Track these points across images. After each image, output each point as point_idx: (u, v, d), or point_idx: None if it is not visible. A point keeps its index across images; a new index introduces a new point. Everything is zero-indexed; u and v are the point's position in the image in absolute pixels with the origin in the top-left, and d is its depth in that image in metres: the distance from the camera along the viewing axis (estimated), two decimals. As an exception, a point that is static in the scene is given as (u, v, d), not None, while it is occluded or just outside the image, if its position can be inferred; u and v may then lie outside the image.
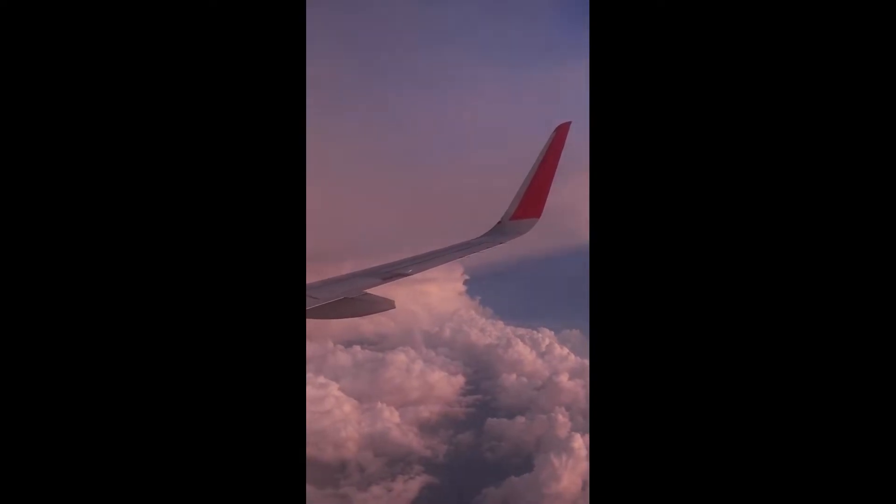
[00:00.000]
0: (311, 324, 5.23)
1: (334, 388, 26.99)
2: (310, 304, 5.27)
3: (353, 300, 5.67)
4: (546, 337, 32.58)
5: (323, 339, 28.08)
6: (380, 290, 5.85)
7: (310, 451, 24.65)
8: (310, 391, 26.74)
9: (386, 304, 5.90)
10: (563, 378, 29.19)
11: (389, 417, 26.13)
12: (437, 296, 34.70)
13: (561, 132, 8.66)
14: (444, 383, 29.25)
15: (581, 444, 24.63)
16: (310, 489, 23.37)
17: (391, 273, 6.28)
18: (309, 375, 27.27)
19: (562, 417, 26.16)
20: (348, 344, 30.55)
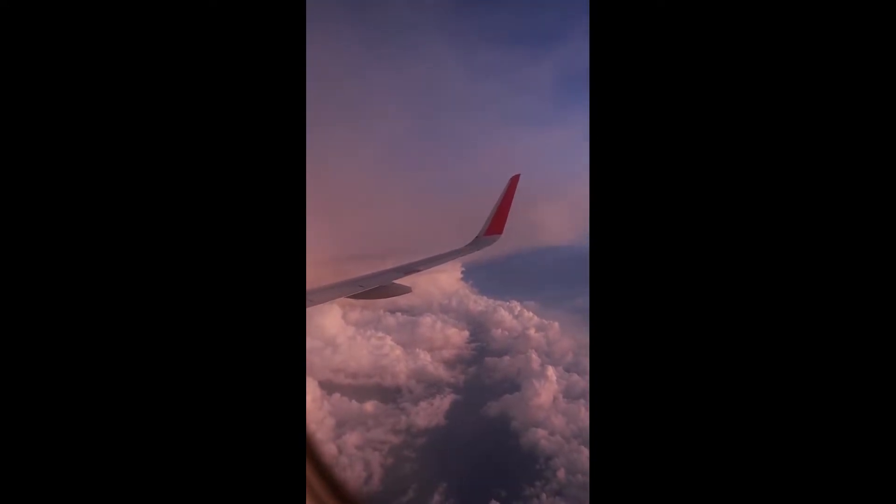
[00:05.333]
0: (363, 303, 7.56)
1: (388, 340, 35.28)
2: (357, 291, 6.80)
3: (386, 287, 7.23)
4: (516, 306, 41.04)
5: (376, 309, 36.53)
6: (403, 280, 7.45)
7: (376, 380, 32.21)
8: (373, 342, 34.72)
9: (406, 290, 7.44)
10: (532, 331, 37.88)
11: (424, 358, 34.14)
12: (445, 281, 42.70)
13: (514, 180, 11.11)
14: (456, 336, 37.63)
15: (552, 372, 32.09)
16: (378, 405, 30.11)
17: (410, 269, 8.06)
18: (371, 332, 35.57)
19: (534, 356, 33.97)
20: (393, 312, 38.45)
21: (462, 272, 44.12)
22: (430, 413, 30.38)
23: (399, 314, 38.90)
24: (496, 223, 11.11)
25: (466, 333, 38.61)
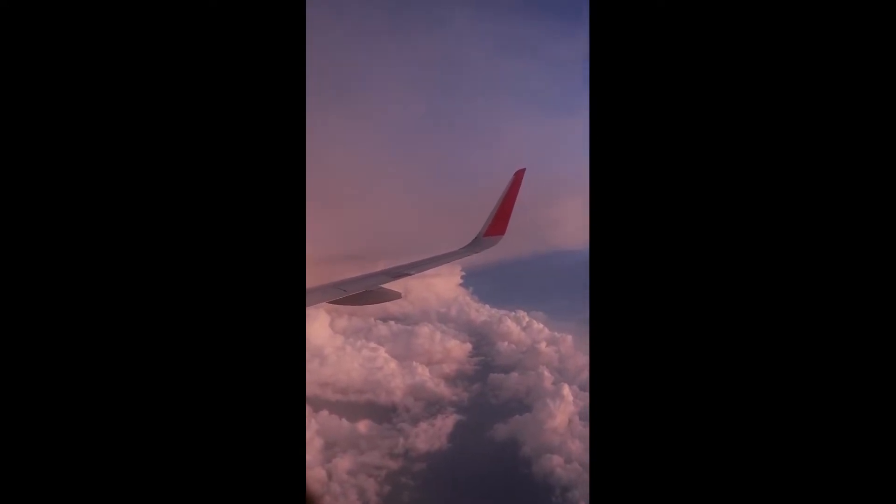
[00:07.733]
0: (348, 308, 6.71)
1: (382, 351, 32.17)
2: (341, 296, 6.49)
3: (373, 292, 6.88)
4: (523, 317, 37.47)
5: (365, 317, 33.58)
6: (393, 285, 7.10)
7: (369, 396, 29.70)
8: (365, 353, 32.01)
9: (395, 296, 7.10)
10: (543, 345, 34.34)
11: (422, 373, 31.22)
12: (442, 287, 39.92)
13: (518, 175, 10.35)
14: (457, 348, 34.49)
15: (568, 391, 29.05)
16: (372, 425, 27.72)
17: (399, 273, 7.59)
18: (362, 342, 33.04)
19: (547, 373, 30.97)
20: (385, 320, 35.36)
21: (462, 277, 41.24)
22: (430, 435, 27.83)
23: (392, 323, 36.29)
24: (497, 223, 10.23)
25: (469, 346, 35.77)
